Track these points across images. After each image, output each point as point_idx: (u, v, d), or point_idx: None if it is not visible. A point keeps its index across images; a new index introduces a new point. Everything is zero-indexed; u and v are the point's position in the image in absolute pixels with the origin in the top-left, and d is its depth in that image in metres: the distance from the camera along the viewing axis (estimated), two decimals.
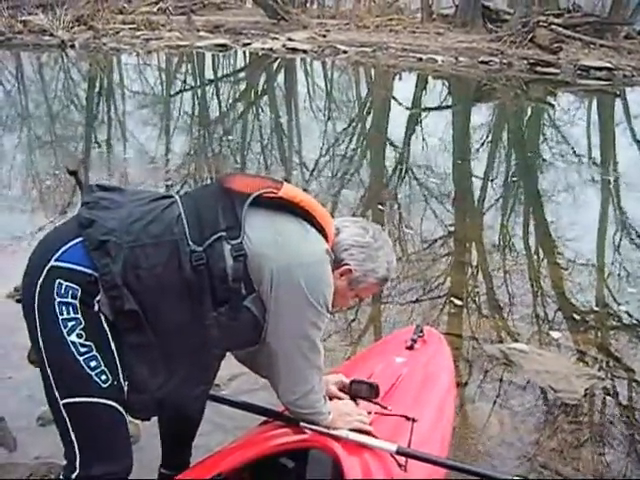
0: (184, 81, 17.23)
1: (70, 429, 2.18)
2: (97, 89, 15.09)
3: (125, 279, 2.13)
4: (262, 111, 13.93)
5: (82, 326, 2.13)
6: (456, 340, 4.71)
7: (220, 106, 14.40)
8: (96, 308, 2.14)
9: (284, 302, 2.25)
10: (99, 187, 2.37)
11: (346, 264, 2.46)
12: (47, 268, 2.14)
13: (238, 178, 2.40)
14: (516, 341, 4.76)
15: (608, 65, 20.03)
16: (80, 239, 2.17)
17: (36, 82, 15.28)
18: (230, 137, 11.16)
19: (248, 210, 2.25)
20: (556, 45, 21.70)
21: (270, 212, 2.31)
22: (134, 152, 9.70)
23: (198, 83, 17.14)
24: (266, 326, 2.29)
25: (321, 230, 2.38)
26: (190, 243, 2.18)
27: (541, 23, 22.57)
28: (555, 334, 4.92)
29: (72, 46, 19.50)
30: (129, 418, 2.28)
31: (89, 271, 2.13)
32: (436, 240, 6.77)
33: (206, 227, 2.22)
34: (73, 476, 2.19)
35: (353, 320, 4.99)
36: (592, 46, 22.42)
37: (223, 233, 2.20)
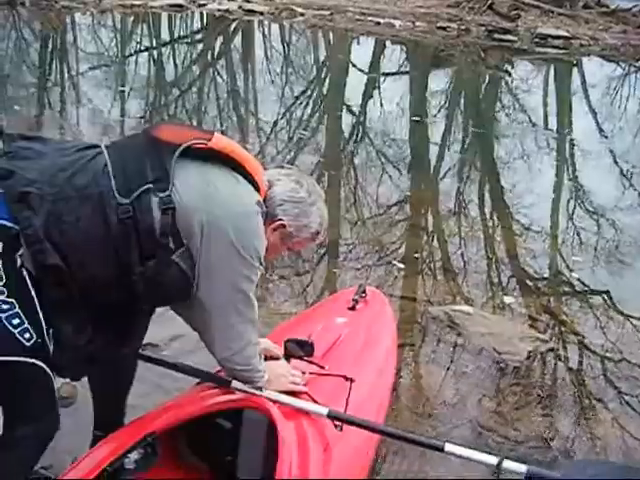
0: (139, 42, 16.93)
1: None
2: (50, 49, 14.74)
3: (48, 233, 2.05)
4: (219, 74, 13.76)
5: (3, 282, 2.04)
6: (402, 302, 4.77)
7: (176, 68, 14.17)
8: (19, 263, 2.05)
9: (214, 255, 2.21)
10: (20, 136, 2.28)
11: (280, 219, 2.45)
12: None
13: (167, 128, 2.36)
14: (465, 304, 4.80)
15: (565, 34, 20.14)
16: (0, 191, 2.08)
17: None
18: (186, 100, 11.02)
19: (177, 161, 2.19)
20: (514, 12, 21.74)
21: (200, 163, 2.25)
22: (87, 114, 9.51)
23: (153, 44, 16.83)
24: (197, 281, 2.24)
25: (252, 182, 2.34)
26: (116, 195, 2.11)
27: None
28: (506, 298, 4.99)
29: (22, 4, 18.95)
30: (62, 379, 2.22)
31: (10, 224, 2.04)
32: (391, 205, 6.79)
33: (133, 179, 2.15)
34: None
35: (300, 282, 5.01)
36: (550, 14, 22.45)
37: (151, 185, 2.14)
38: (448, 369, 4.04)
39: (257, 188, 2.36)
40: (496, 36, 19.85)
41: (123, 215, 2.10)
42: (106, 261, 2.14)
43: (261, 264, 2.31)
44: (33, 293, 2.09)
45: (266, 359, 2.59)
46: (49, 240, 2.06)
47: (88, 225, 2.10)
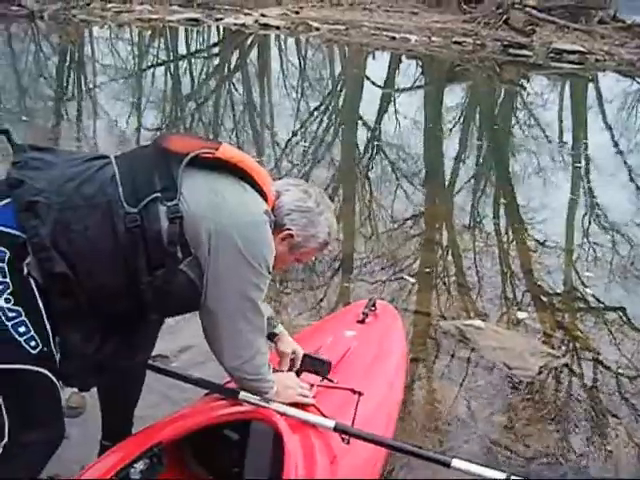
0: (156, 55, 17.05)
1: None
2: (68, 62, 14.88)
3: (55, 241, 2.06)
4: (235, 88, 13.83)
5: (10, 290, 2.05)
6: (413, 316, 4.76)
7: (192, 82, 14.28)
8: (25, 272, 2.06)
9: (222, 264, 2.20)
10: (31, 147, 2.29)
11: (288, 229, 2.44)
12: None
13: (175, 138, 2.34)
14: (477, 319, 4.76)
15: (581, 49, 20.09)
16: (8, 200, 2.09)
17: (5, 54, 15.02)
18: (202, 113, 11.08)
19: (185, 171, 2.19)
20: (530, 27, 21.74)
21: (207, 173, 2.25)
22: (104, 126, 9.59)
23: (170, 58, 16.96)
24: (205, 290, 2.23)
25: (260, 191, 2.34)
26: (124, 205, 2.11)
27: (516, 5, 22.55)
28: (519, 314, 4.94)
29: (41, 17, 19.18)
30: (72, 389, 2.22)
31: (17, 233, 2.06)
32: (406, 219, 6.78)
33: (141, 188, 2.15)
34: (2, 444, 2.15)
35: (314, 295, 5.01)
36: (566, 30, 22.43)
37: (158, 194, 2.14)
38: (458, 384, 4.01)
39: (265, 198, 2.35)
40: (511, 51, 19.84)
41: (131, 224, 2.10)
42: (114, 270, 2.15)
43: (269, 273, 2.31)
44: (40, 302, 2.09)
45: (274, 371, 2.58)
46: (56, 249, 2.06)
47: (96, 234, 2.10)
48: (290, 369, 2.75)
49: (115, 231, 2.10)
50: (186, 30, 20.63)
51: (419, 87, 15.65)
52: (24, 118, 9.42)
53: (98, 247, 2.11)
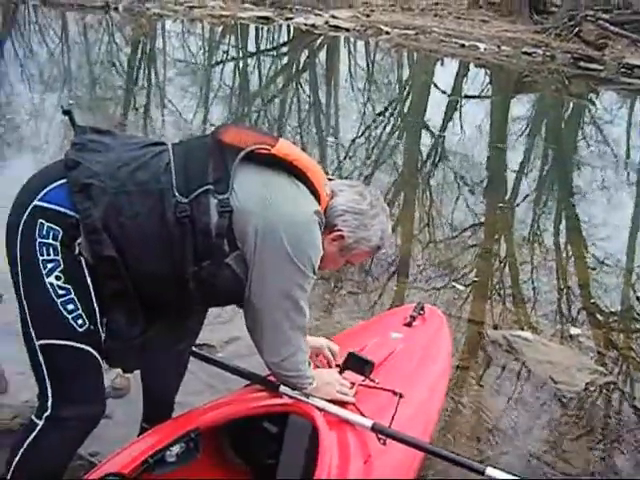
0: (226, 52, 17.21)
1: (44, 370, 2.18)
2: (139, 54, 15.12)
3: (106, 225, 2.10)
4: (302, 88, 13.88)
5: (61, 268, 2.10)
6: (461, 323, 4.75)
7: (260, 80, 14.38)
8: (77, 251, 2.11)
9: (267, 262, 2.21)
10: (92, 129, 2.33)
11: (339, 230, 2.42)
12: (30, 207, 2.12)
13: (233, 131, 2.33)
14: (527, 331, 4.71)
15: None
16: (64, 180, 2.14)
17: (80, 44, 15.33)
18: (268, 111, 11.15)
19: (239, 165, 2.20)
20: (602, 41, 21.33)
21: (262, 169, 2.26)
22: (171, 119, 9.73)
23: (240, 55, 17.10)
24: (249, 285, 2.24)
25: (314, 191, 2.33)
26: (176, 194, 2.14)
27: (588, 18, 22.15)
28: (571, 329, 4.88)
29: (116, 9, 19.51)
30: (118, 370, 2.26)
31: (71, 213, 2.10)
32: (465, 228, 6.76)
33: (193, 179, 2.17)
34: (44, 416, 2.20)
35: (367, 297, 5.03)
36: (638, 45, 22.01)
37: (211, 187, 2.16)
38: (501, 394, 3.98)
39: (318, 197, 2.34)
40: (581, 64, 19.46)
41: (181, 214, 2.13)
42: (161, 258, 2.18)
43: (314, 273, 2.30)
44: (89, 281, 2.14)
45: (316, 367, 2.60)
46: (107, 232, 2.10)
47: (146, 221, 2.13)
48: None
49: (165, 220, 2.13)
50: (256, 28, 20.76)
51: (486, 96, 15.51)
52: (94, 106, 9.62)
53: (147, 234, 2.14)
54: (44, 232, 2.10)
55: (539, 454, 3.49)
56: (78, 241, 2.11)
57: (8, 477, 2.25)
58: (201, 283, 2.21)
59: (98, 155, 2.20)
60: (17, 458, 2.22)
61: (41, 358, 2.17)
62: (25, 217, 2.12)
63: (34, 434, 2.21)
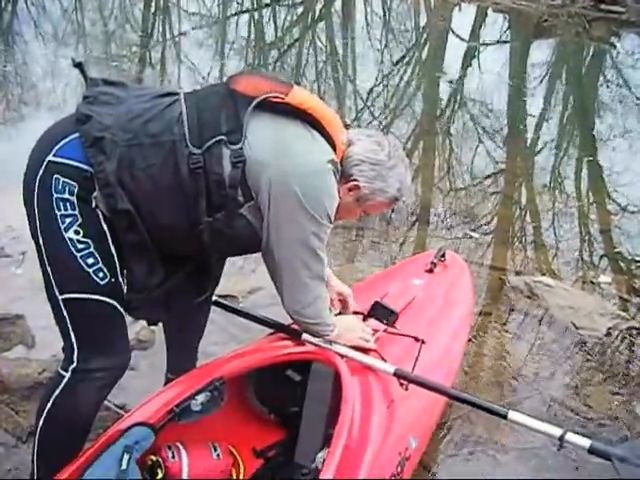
0: (240, 3, 17.01)
1: (69, 324, 2.21)
2: (153, 9, 14.98)
3: (119, 178, 2.10)
4: (318, 37, 13.74)
5: (79, 222, 2.11)
6: (483, 269, 4.77)
7: (276, 30, 14.23)
8: (93, 204, 2.11)
9: (282, 212, 2.20)
10: (104, 81, 2.31)
11: (355, 180, 2.40)
12: (45, 163, 2.12)
13: (246, 79, 2.30)
14: (549, 277, 4.70)
15: None
16: (77, 135, 2.13)
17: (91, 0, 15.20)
18: (284, 62, 11.06)
19: (252, 114, 2.18)
20: None
21: (275, 118, 2.23)
22: (187, 73, 9.67)
23: (254, 6, 16.90)
24: (266, 235, 2.24)
25: (329, 139, 2.30)
26: (189, 145, 2.13)
27: None
28: (592, 275, 4.89)
29: None
30: (142, 323, 2.27)
31: (85, 167, 2.10)
32: (485, 176, 6.73)
33: (206, 129, 2.15)
34: (70, 368, 2.23)
35: (388, 245, 5.05)
36: None
37: (223, 137, 2.14)
38: (523, 339, 4.00)
39: (334, 146, 2.31)
40: (603, 7, 18.98)
41: (194, 165, 2.12)
42: (175, 209, 2.18)
43: (331, 222, 2.29)
44: (107, 234, 2.15)
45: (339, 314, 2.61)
46: (121, 185, 2.11)
47: (159, 173, 2.13)
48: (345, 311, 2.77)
49: (178, 171, 2.13)
50: None
51: (504, 42, 15.27)
52: (110, 63, 9.57)
53: (160, 186, 2.14)
54: (60, 187, 2.10)
55: (561, 399, 3.52)
56: (94, 194, 2.11)
57: (38, 429, 2.29)
58: (216, 233, 2.21)
59: (110, 108, 2.19)
60: (46, 410, 2.26)
61: (65, 312, 2.20)
62: (40, 173, 2.13)
63: (61, 386, 2.24)
